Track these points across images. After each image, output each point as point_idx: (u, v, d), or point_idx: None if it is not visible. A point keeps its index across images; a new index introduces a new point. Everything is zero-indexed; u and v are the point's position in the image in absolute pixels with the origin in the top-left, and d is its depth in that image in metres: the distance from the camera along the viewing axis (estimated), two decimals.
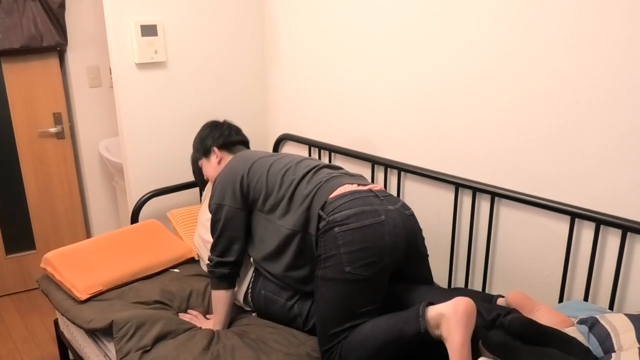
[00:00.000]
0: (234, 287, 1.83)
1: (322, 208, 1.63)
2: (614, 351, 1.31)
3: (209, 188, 2.23)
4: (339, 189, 1.67)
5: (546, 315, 1.45)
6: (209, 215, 1.92)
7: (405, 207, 1.69)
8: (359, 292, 1.54)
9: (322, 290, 1.57)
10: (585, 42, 1.57)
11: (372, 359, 1.47)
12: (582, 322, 1.43)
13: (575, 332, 1.40)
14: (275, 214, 1.76)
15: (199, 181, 2.22)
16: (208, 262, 1.83)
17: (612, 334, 1.35)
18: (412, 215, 1.69)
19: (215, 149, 2.04)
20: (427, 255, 1.76)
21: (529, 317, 1.40)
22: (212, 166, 2.05)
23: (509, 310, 1.47)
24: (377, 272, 1.55)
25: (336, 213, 1.58)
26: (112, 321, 1.75)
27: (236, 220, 1.80)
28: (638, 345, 1.29)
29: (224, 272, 1.79)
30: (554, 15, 1.62)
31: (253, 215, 1.84)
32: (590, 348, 1.35)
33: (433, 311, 1.40)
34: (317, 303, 1.59)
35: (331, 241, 1.56)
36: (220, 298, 1.80)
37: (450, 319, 1.34)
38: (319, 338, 1.59)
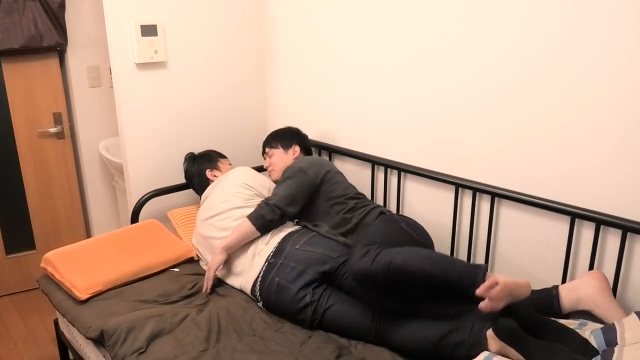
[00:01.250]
0: (262, 233, 2.00)
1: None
2: (617, 344, 1.31)
3: (211, 187, 2.27)
4: None
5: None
6: (209, 214, 2.16)
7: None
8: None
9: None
10: (585, 42, 1.57)
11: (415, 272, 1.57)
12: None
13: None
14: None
15: (197, 182, 2.41)
16: (267, 201, 2.02)
17: (618, 329, 1.35)
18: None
19: (298, 147, 2.31)
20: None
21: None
22: (287, 158, 2.29)
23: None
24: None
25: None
26: (102, 330, 1.75)
27: (308, 188, 2.08)
28: None
29: (274, 217, 1.99)
30: (555, 15, 1.62)
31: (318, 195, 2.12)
32: (594, 340, 1.36)
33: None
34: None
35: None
36: (245, 229, 1.98)
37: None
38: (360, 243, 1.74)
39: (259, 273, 1.91)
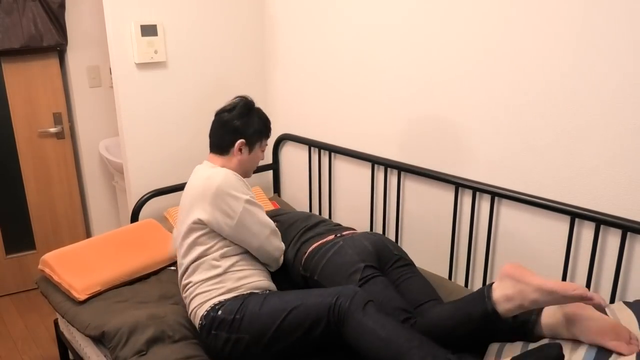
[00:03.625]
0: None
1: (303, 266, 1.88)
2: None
3: (200, 175, 1.81)
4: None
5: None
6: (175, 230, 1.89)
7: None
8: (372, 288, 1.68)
9: (324, 263, 1.77)
10: (586, 43, 1.57)
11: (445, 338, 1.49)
12: None
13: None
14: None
15: (218, 138, 1.89)
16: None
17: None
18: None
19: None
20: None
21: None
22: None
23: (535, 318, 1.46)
24: (363, 269, 1.73)
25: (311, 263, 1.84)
26: (103, 332, 1.75)
27: None
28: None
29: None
30: (556, 16, 1.62)
31: None
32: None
33: (498, 291, 1.42)
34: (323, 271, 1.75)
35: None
36: None
37: (511, 280, 1.40)
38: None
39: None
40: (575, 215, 1.67)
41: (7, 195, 3.12)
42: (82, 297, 1.94)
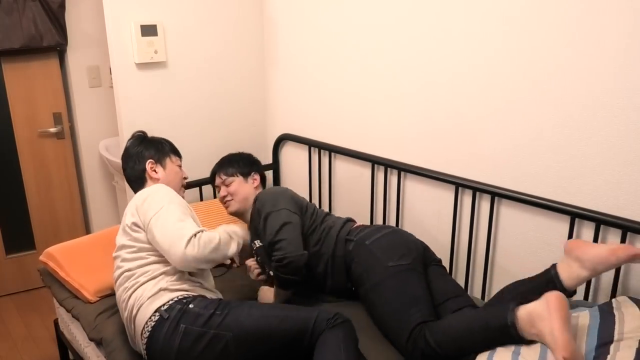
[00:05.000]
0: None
1: (348, 234, 1.93)
2: (615, 336, 1.32)
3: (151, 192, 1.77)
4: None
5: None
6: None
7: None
8: (409, 279, 1.72)
9: (378, 296, 1.73)
10: (586, 42, 1.57)
11: (458, 341, 1.51)
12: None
13: (586, 316, 1.41)
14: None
15: (130, 168, 1.91)
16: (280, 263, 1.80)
17: (617, 321, 1.36)
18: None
19: (258, 175, 2.16)
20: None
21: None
22: (248, 188, 2.10)
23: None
24: (413, 260, 1.77)
25: (361, 233, 1.89)
26: (101, 338, 1.76)
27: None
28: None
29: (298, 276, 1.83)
30: (556, 15, 1.62)
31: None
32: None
33: (524, 310, 1.42)
34: (378, 310, 1.72)
35: (365, 253, 1.82)
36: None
37: (543, 314, 1.36)
38: (396, 337, 1.64)
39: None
40: (575, 215, 1.67)
41: (7, 195, 3.12)
42: (93, 299, 1.94)
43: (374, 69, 2.22)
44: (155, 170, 1.88)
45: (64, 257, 2.06)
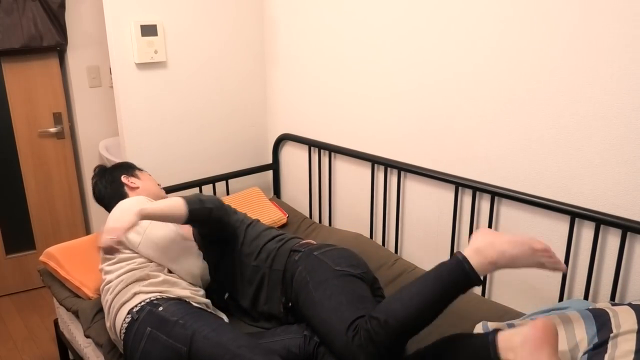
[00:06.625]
0: (187, 222, 1.73)
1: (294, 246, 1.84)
2: (612, 332, 1.32)
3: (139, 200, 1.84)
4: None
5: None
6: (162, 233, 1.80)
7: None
8: (356, 283, 1.62)
9: (321, 292, 1.59)
10: (586, 42, 1.57)
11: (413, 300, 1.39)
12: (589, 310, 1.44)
13: (577, 318, 1.41)
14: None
15: (109, 193, 1.97)
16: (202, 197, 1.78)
17: (612, 319, 1.36)
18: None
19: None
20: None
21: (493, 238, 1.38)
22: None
23: None
24: (363, 273, 1.68)
25: (310, 246, 1.80)
26: (102, 345, 1.77)
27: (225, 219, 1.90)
28: (636, 328, 1.29)
29: (212, 206, 1.78)
30: (555, 15, 1.62)
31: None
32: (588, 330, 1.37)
33: (503, 337, 1.29)
34: (318, 307, 1.57)
35: (312, 260, 1.71)
36: (177, 206, 1.68)
37: (527, 343, 1.21)
38: (336, 333, 1.48)
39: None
40: (575, 215, 1.67)
41: (7, 195, 3.12)
42: (94, 296, 1.95)
43: (374, 68, 2.22)
44: (131, 182, 1.97)
45: (64, 256, 2.06)
